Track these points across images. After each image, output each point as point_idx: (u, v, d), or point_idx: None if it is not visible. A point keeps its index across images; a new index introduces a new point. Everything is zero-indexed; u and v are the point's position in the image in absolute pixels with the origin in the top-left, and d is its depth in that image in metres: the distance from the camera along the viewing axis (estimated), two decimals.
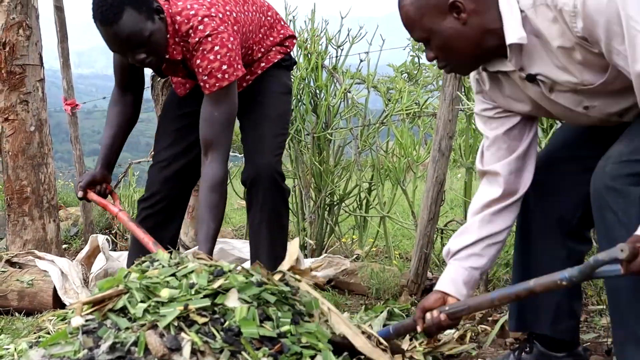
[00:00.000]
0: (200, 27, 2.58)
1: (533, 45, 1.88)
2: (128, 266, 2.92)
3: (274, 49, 2.93)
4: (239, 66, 2.63)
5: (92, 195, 2.93)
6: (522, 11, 1.85)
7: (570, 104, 1.96)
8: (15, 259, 3.59)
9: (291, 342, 1.77)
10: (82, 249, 3.76)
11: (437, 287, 2.13)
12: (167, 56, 2.65)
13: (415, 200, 3.75)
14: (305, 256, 3.89)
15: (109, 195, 3.04)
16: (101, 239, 3.52)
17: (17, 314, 3.27)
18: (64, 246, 4.46)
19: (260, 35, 2.88)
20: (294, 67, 3.13)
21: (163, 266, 1.98)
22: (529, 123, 2.11)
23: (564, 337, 2.18)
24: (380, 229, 4.00)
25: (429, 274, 3.29)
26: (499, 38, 1.88)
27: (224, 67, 2.58)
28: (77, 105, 4.62)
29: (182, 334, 1.69)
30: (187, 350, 1.66)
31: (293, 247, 2.12)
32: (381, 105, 4.19)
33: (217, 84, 2.60)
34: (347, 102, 4.02)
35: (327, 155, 4.02)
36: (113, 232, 4.92)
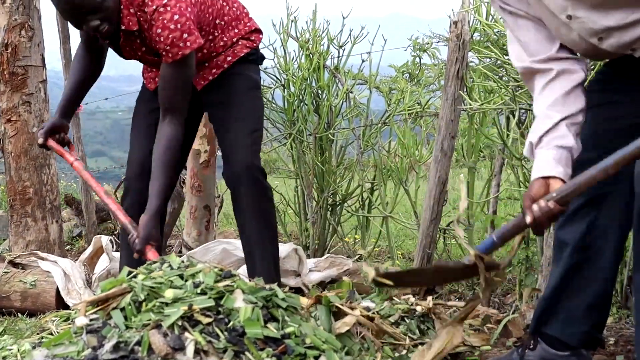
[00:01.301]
0: None
1: None
2: (121, 264, 2.93)
3: (240, 42, 2.93)
4: (198, 34, 2.65)
5: (51, 142, 2.99)
6: None
7: (555, 8, 1.94)
8: (18, 260, 3.59)
9: (295, 343, 1.77)
10: (85, 249, 3.77)
11: (534, 176, 1.95)
12: (122, 27, 2.66)
13: (417, 200, 3.75)
14: (308, 256, 3.89)
15: (67, 145, 3.08)
16: (105, 239, 3.52)
17: (20, 314, 3.27)
18: (66, 247, 4.46)
19: (223, 23, 2.88)
20: (263, 61, 3.13)
21: (171, 267, 1.99)
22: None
23: (570, 341, 2.17)
24: (382, 229, 3.99)
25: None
26: None
27: (185, 35, 2.59)
28: (79, 106, 4.62)
29: (186, 334, 1.70)
30: (190, 349, 1.66)
31: None
32: (383, 105, 4.19)
33: (180, 52, 2.61)
34: (349, 103, 4.02)
35: (330, 156, 4.02)
36: (116, 232, 4.92)
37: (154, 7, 2.58)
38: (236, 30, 2.92)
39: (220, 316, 1.78)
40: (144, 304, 1.81)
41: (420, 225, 3.26)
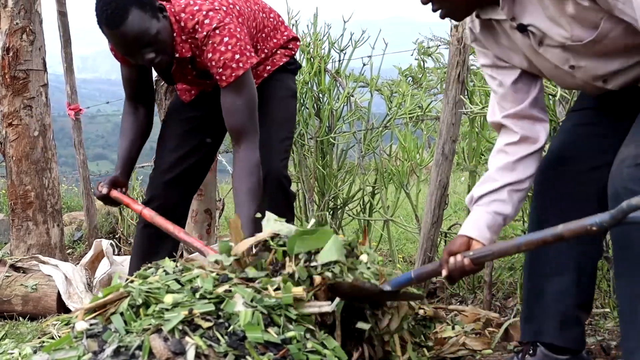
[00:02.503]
0: (207, 20, 2.59)
1: None
2: (130, 274, 2.93)
3: (279, 51, 2.94)
4: (251, 54, 2.65)
5: (115, 193, 2.91)
6: None
7: (557, 61, 1.96)
8: (19, 264, 3.60)
9: (297, 349, 1.77)
10: (86, 253, 3.77)
11: (461, 232, 2.08)
12: (176, 55, 2.66)
13: (418, 204, 3.75)
14: None
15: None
16: (105, 243, 3.53)
17: (21, 318, 3.28)
18: (67, 251, 4.47)
19: (264, 35, 2.89)
20: (299, 70, 3.15)
21: (166, 273, 1.99)
22: (532, 78, 2.10)
23: (570, 345, 2.17)
24: (383, 233, 3.99)
25: (433, 278, 3.29)
26: None
27: (237, 56, 2.59)
28: (80, 109, 4.63)
29: (187, 338, 1.69)
30: (191, 354, 1.66)
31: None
32: (384, 108, 4.19)
33: (233, 74, 2.60)
34: (350, 106, 4.02)
35: (331, 159, 4.02)
36: (117, 236, 4.92)
37: (205, 33, 2.59)
38: (275, 40, 2.93)
39: (221, 320, 1.77)
40: (142, 309, 1.81)
41: (421, 228, 3.26)
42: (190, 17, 2.62)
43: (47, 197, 3.92)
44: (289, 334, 1.79)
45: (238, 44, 2.59)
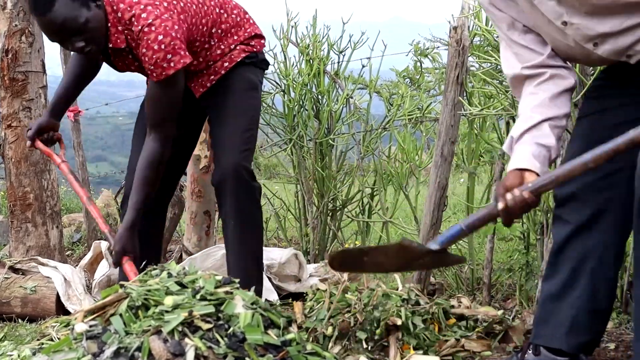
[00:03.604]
0: (143, 15, 2.58)
1: None
2: (121, 275, 2.93)
3: (237, 47, 2.92)
4: (184, 53, 2.64)
5: (39, 144, 2.98)
6: None
7: (550, 15, 1.95)
8: (18, 266, 3.59)
9: (296, 351, 1.77)
10: (85, 255, 3.77)
11: (510, 167, 1.97)
12: (110, 45, 2.65)
13: (417, 206, 3.75)
14: (308, 262, 3.89)
15: (58, 143, 3.08)
16: (104, 245, 3.52)
17: (20, 320, 3.27)
18: (67, 252, 4.46)
19: (220, 31, 2.86)
20: (268, 66, 3.11)
21: (170, 275, 1.98)
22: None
23: (576, 351, 2.15)
24: (383, 235, 3.99)
25: (432, 279, 3.29)
26: None
27: (169, 56, 2.59)
28: (79, 111, 4.63)
29: (186, 340, 1.69)
30: (190, 355, 1.66)
31: None
32: (383, 110, 4.19)
33: (163, 73, 2.61)
34: (349, 108, 4.02)
35: (330, 161, 4.02)
36: None
37: (140, 26, 2.58)
38: (235, 37, 2.91)
39: (220, 322, 1.77)
40: (142, 310, 1.81)
41: (420, 230, 3.26)
42: (128, 8, 2.60)
43: (46, 198, 3.92)
44: (289, 336, 1.79)
45: (172, 42, 2.58)
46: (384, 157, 3.99)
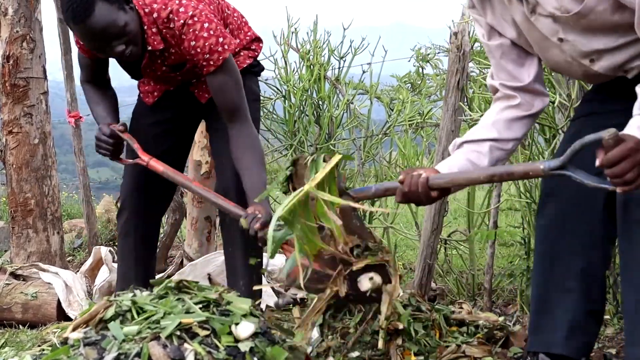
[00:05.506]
0: (181, 9, 2.58)
1: None
2: (119, 282, 2.92)
3: (242, 52, 2.92)
4: (230, 35, 2.65)
5: (125, 134, 2.80)
6: None
7: (547, 31, 1.97)
8: (19, 272, 3.59)
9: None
10: (86, 261, 3.77)
11: (437, 166, 2.10)
12: (148, 47, 2.63)
13: (418, 211, 3.75)
14: None
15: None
16: (104, 250, 3.52)
17: (21, 326, 3.27)
18: (68, 258, 4.46)
19: (229, 31, 2.85)
20: (263, 69, 3.11)
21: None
22: (526, 55, 2.11)
23: (576, 355, 2.15)
24: (384, 240, 3.99)
25: (433, 285, 3.28)
26: None
27: (220, 39, 2.58)
28: (80, 117, 4.63)
29: (185, 345, 1.69)
30: None
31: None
32: (384, 115, 4.19)
33: (220, 57, 2.59)
34: (350, 113, 4.03)
35: None
36: (117, 244, 4.91)
37: (182, 20, 2.57)
38: (238, 40, 2.91)
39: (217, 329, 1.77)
40: (129, 316, 1.80)
41: (421, 235, 3.26)
42: (163, 6, 2.59)
43: (47, 204, 3.92)
44: (287, 344, 1.79)
45: (217, 27, 2.59)
46: (384, 162, 3.99)
